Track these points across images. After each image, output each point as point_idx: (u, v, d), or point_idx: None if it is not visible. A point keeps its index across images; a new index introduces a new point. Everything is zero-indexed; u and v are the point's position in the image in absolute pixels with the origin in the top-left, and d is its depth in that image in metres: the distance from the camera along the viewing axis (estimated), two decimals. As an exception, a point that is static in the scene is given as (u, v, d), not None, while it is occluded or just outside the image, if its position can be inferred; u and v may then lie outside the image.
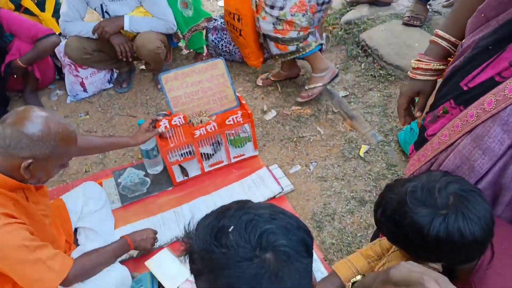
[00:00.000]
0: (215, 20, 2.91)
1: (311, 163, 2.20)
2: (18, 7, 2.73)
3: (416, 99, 1.26)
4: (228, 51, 2.92)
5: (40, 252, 1.28)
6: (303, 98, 2.50)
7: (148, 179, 2.15)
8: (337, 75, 2.47)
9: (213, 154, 2.19)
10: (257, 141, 2.23)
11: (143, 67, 2.99)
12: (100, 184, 2.09)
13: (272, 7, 2.17)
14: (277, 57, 2.41)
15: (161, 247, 1.79)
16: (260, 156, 2.25)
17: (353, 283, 1.08)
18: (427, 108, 1.21)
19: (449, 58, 1.17)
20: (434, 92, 1.18)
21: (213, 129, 2.03)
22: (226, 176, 2.16)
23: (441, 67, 1.17)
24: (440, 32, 1.14)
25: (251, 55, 2.60)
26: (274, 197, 2.01)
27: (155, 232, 1.76)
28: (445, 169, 1.03)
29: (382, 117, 2.40)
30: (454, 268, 0.96)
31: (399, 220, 0.90)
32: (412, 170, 1.18)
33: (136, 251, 1.74)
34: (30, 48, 2.51)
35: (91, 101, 2.79)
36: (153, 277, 1.63)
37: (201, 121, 2.08)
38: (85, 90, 2.77)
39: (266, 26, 2.26)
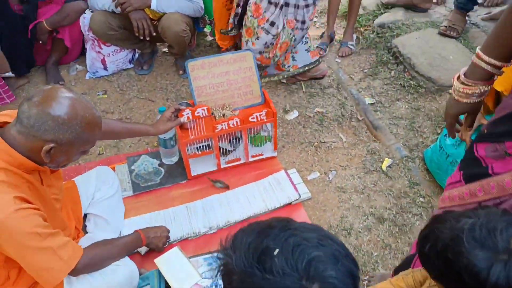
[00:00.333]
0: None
1: (331, 171, 2.12)
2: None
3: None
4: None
5: (51, 240, 1.24)
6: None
7: (162, 169, 2.09)
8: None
9: (231, 151, 2.12)
10: (277, 142, 2.16)
11: (165, 49, 2.90)
12: (113, 168, 2.04)
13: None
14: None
15: (170, 244, 1.74)
16: (279, 157, 2.18)
17: None
18: (475, 126, 1.22)
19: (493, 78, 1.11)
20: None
21: (235, 125, 1.96)
22: (242, 175, 2.09)
23: (487, 88, 1.11)
24: (484, 56, 1.06)
25: (218, 22, 2.50)
26: (290, 203, 1.94)
27: (168, 231, 1.71)
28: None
29: (409, 130, 2.31)
30: None
31: (452, 259, 0.83)
32: (457, 202, 1.10)
33: (146, 248, 1.68)
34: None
35: (110, 80, 2.72)
36: (160, 275, 1.57)
37: (223, 115, 2.01)
38: (105, 68, 2.70)
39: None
